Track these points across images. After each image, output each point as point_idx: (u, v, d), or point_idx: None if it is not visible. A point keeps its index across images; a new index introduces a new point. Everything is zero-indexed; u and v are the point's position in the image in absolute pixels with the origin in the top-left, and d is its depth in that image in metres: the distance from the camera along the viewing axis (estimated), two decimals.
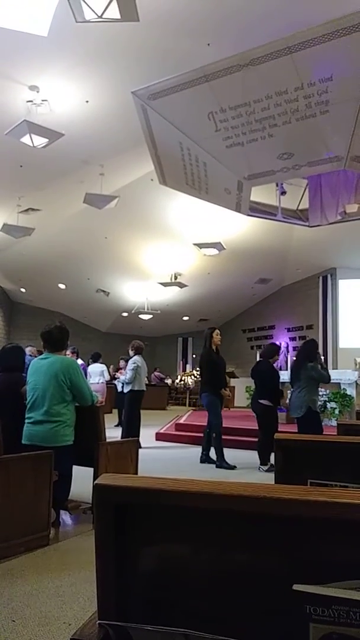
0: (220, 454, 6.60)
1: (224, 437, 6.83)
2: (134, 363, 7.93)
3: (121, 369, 11.78)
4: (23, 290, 18.23)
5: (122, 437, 7.42)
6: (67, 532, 3.83)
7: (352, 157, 6.33)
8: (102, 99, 7.18)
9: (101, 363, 11.11)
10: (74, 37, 5.86)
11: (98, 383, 10.74)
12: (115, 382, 11.77)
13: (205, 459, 6.88)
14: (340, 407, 9.63)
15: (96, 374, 10.90)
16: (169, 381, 20.52)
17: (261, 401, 6.14)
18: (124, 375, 8.21)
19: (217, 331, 7.00)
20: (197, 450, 7.78)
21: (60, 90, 6.93)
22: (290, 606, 0.88)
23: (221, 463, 6.52)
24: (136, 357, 8.04)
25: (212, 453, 6.80)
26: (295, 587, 0.87)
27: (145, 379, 8.44)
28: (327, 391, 9.67)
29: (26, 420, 3.79)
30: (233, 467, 6.43)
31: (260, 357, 6.56)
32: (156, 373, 20.37)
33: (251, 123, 5.91)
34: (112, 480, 0.96)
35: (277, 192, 8.71)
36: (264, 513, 0.89)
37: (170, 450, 8.42)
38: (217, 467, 6.56)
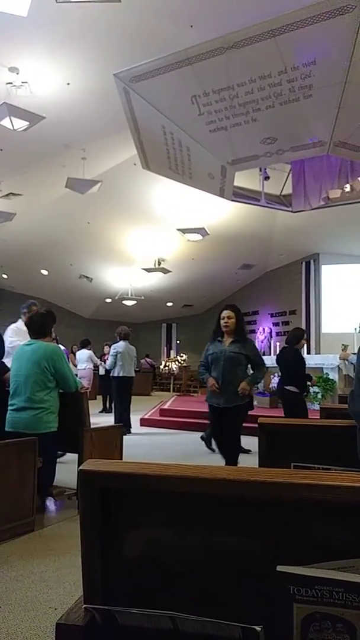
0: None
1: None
2: (114, 349, 8.03)
3: (106, 355, 11.81)
4: (5, 276, 18.03)
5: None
6: (52, 517, 3.83)
7: (336, 142, 6.33)
8: (83, 81, 7.06)
9: (88, 349, 11.15)
10: (54, 18, 5.73)
11: (85, 369, 10.77)
12: (100, 366, 11.82)
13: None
14: (323, 391, 9.74)
15: (83, 360, 10.94)
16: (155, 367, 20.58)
17: (288, 387, 6.09)
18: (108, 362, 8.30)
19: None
20: (182, 435, 7.82)
21: (41, 72, 6.80)
22: (274, 587, 0.90)
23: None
24: (119, 344, 8.09)
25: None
26: (279, 568, 0.88)
27: (134, 365, 8.42)
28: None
29: (9, 407, 3.77)
30: (247, 451, 6.37)
31: (286, 343, 6.47)
32: (147, 359, 20.37)
33: (235, 107, 5.86)
34: (96, 465, 0.96)
35: (261, 177, 8.69)
36: (248, 496, 0.90)
37: (155, 436, 8.45)
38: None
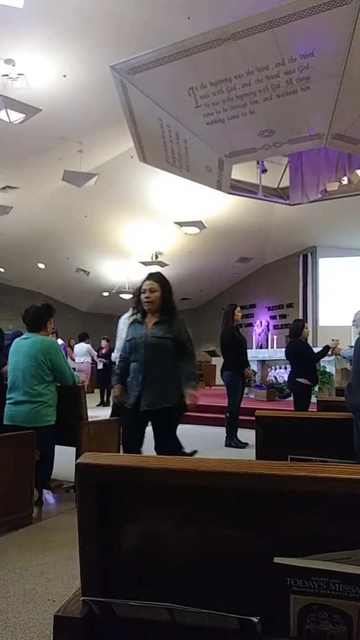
0: (230, 433, 6.56)
1: (241, 417, 6.57)
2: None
3: (103, 348, 11.82)
4: (2, 270, 17.98)
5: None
6: (50, 510, 3.84)
7: (333, 134, 6.31)
8: (80, 73, 7.02)
9: (87, 343, 11.17)
10: (51, 9, 5.69)
11: (83, 362, 10.79)
12: (98, 360, 11.84)
13: (228, 442, 6.59)
14: (320, 384, 9.77)
15: (81, 354, 10.96)
16: None
17: (299, 380, 6.09)
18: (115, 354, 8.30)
19: (238, 308, 6.75)
20: (179, 427, 7.80)
21: (37, 64, 6.75)
22: (271, 579, 0.90)
23: (230, 442, 6.48)
24: None
25: (239, 434, 6.55)
26: (276, 560, 0.89)
27: None
28: None
29: (7, 401, 3.77)
30: (244, 445, 6.38)
31: (290, 337, 6.45)
32: None
33: (232, 99, 5.83)
34: (94, 459, 0.96)
35: (258, 170, 8.66)
36: (246, 489, 0.90)
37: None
38: (226, 445, 6.45)
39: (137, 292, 3.41)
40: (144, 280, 3.36)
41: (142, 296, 3.33)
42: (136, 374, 3.28)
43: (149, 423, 3.34)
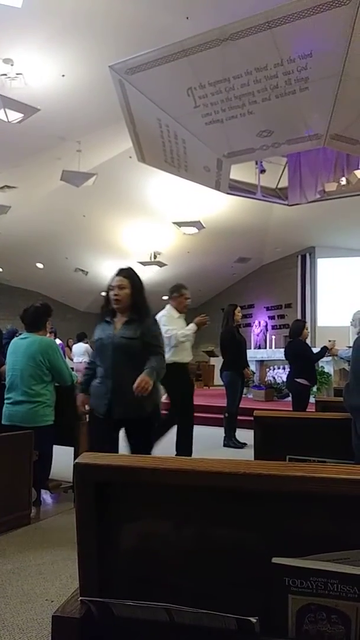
0: (228, 433, 6.56)
1: (240, 417, 6.57)
2: None
3: None
4: (0, 269, 17.97)
5: None
6: (48, 511, 3.84)
7: (332, 135, 6.32)
8: (79, 73, 7.01)
9: (85, 343, 11.18)
10: (49, 8, 5.68)
11: (81, 362, 10.79)
12: None
13: (226, 442, 6.57)
14: (318, 384, 9.77)
15: (79, 354, 10.95)
16: None
17: (298, 380, 6.09)
18: None
19: (238, 308, 6.76)
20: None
21: (36, 63, 6.74)
22: (269, 579, 0.90)
23: (228, 442, 6.47)
24: None
25: (238, 435, 6.56)
26: (275, 560, 0.89)
27: None
28: None
29: (5, 401, 3.77)
30: (242, 446, 6.38)
31: (290, 337, 6.45)
32: None
33: (230, 99, 5.83)
34: (92, 459, 0.96)
35: (257, 170, 8.67)
36: (244, 489, 0.90)
37: None
38: (224, 445, 6.44)
39: (107, 289, 3.10)
40: (113, 277, 3.06)
41: (111, 294, 3.04)
42: (104, 379, 2.98)
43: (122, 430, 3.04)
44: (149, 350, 2.99)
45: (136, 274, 3.11)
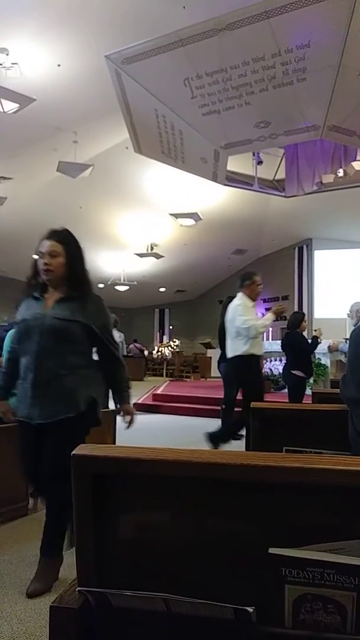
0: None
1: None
2: None
3: None
4: None
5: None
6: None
7: (329, 126, 6.30)
8: (75, 63, 6.96)
9: None
10: None
11: None
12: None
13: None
14: (315, 376, 9.80)
15: None
16: (146, 352, 20.59)
17: (294, 372, 6.09)
18: None
19: None
20: (175, 419, 7.84)
21: (31, 53, 6.69)
22: (266, 569, 0.91)
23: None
24: None
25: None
26: (271, 550, 0.89)
27: (122, 350, 8.48)
28: None
29: None
30: (240, 437, 6.39)
31: (288, 328, 6.46)
32: (136, 344, 20.41)
33: (228, 90, 5.80)
34: (89, 450, 0.96)
35: (254, 161, 8.65)
36: (241, 480, 0.90)
37: (148, 421, 8.49)
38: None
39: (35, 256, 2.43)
40: (42, 240, 2.41)
41: (39, 262, 2.39)
42: (27, 372, 2.32)
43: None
44: (101, 349, 2.44)
45: (74, 238, 2.48)
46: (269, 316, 4.67)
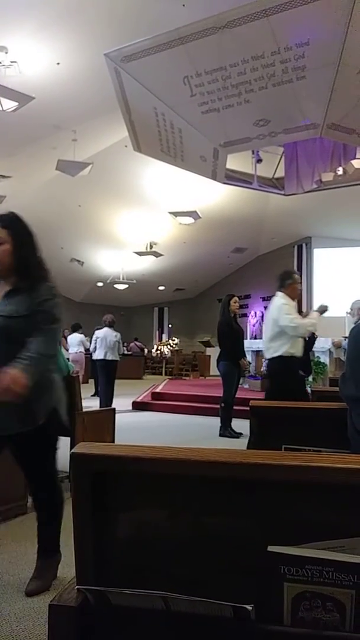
0: (224, 423, 6.58)
1: (236, 407, 6.60)
2: (95, 335, 8.54)
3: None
4: None
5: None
6: None
7: (329, 124, 6.29)
8: (74, 61, 6.95)
9: (80, 333, 11.19)
10: None
11: (77, 353, 10.83)
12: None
13: (222, 432, 6.58)
14: (314, 374, 9.81)
15: (74, 344, 10.99)
16: (145, 351, 20.60)
17: None
18: None
19: (235, 298, 6.71)
20: (174, 417, 7.84)
21: (30, 51, 6.68)
22: (265, 567, 0.91)
23: (224, 432, 6.49)
24: (100, 330, 8.44)
25: (233, 425, 6.56)
26: (270, 548, 0.89)
27: (119, 349, 8.49)
28: None
29: None
30: (238, 435, 6.40)
31: None
32: (137, 343, 20.42)
33: (227, 88, 5.79)
34: (88, 448, 0.96)
35: (253, 159, 8.64)
36: (240, 478, 0.90)
37: (147, 419, 8.50)
38: (220, 435, 6.47)
39: None
40: None
41: None
42: None
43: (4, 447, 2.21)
44: (35, 328, 2.09)
45: (23, 222, 2.27)
46: (315, 315, 4.64)
